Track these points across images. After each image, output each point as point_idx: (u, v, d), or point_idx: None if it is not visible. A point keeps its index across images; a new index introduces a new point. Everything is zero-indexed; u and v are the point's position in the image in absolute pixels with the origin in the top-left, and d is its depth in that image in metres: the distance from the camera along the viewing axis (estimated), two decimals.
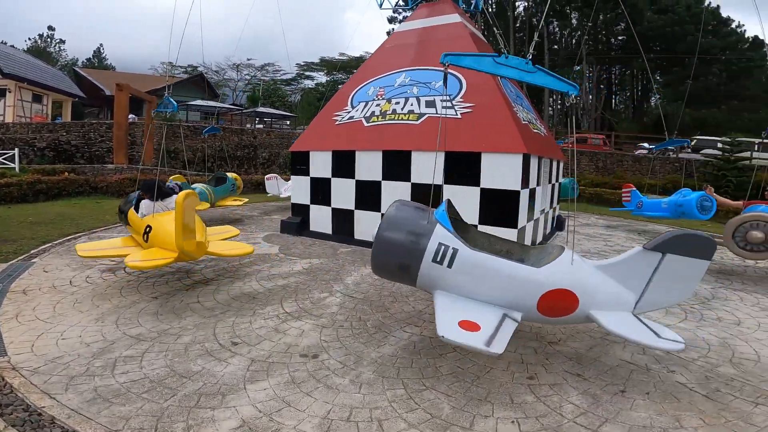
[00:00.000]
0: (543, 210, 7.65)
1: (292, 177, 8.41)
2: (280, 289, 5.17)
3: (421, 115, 6.80)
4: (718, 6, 38.88)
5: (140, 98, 20.84)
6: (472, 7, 9.47)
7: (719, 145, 20.20)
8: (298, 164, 8.12)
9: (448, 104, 6.59)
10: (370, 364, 3.43)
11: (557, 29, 44.92)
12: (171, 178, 9.31)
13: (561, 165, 9.56)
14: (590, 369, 3.37)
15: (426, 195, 6.49)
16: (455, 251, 3.37)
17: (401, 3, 9.60)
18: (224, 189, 9.93)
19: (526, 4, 43.82)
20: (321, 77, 48.89)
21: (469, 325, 2.97)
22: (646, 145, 27.39)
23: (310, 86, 48.89)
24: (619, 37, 42.40)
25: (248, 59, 46.72)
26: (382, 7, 9.62)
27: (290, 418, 2.72)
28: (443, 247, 3.38)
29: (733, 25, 40.01)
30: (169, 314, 4.32)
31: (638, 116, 45.38)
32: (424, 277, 3.50)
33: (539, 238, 7.62)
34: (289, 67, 47.40)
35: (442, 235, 3.42)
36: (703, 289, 5.58)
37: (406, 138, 6.69)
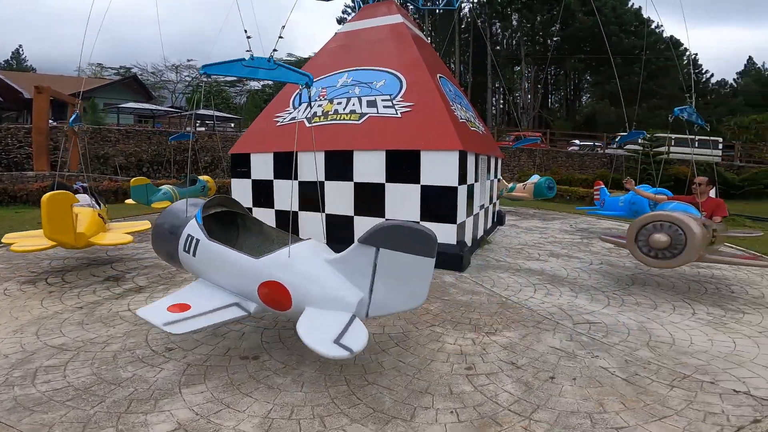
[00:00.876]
0: (482, 205, 7.93)
1: (233, 180, 8.17)
2: None
3: (362, 114, 6.83)
4: (639, 7, 42.02)
5: (63, 101, 19.33)
6: (421, 3, 9.67)
7: (639, 140, 21.82)
8: (239, 167, 7.92)
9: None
10: (312, 362, 3.41)
11: (499, 30, 46.61)
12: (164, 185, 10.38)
13: (500, 162, 9.96)
14: (523, 357, 3.52)
15: (370, 194, 6.57)
16: (198, 241, 3.64)
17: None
18: (193, 190, 10.27)
19: (471, 5, 45.20)
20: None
21: (181, 307, 3.15)
22: (577, 141, 29.24)
23: (256, 88, 47.78)
24: (555, 38, 44.70)
25: (189, 60, 44.97)
26: None
27: (229, 419, 2.67)
28: (190, 237, 3.69)
29: (653, 26, 43.46)
30: (96, 323, 4.11)
31: (571, 114, 48.29)
32: (184, 264, 3.83)
33: (480, 233, 7.90)
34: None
35: (191, 227, 3.72)
36: (624, 275, 6.01)
37: (348, 138, 6.71)
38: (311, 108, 7.19)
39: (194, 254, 3.64)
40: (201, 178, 10.71)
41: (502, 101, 53.98)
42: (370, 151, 6.51)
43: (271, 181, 7.54)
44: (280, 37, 3.93)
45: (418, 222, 6.22)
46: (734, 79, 52.37)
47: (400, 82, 6.88)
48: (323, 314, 3.01)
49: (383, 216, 6.50)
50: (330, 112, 7.15)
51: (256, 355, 3.52)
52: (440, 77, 7.54)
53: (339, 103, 7.17)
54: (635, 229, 4.97)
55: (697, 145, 24.11)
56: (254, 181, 7.77)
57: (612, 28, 37.51)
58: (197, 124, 31.31)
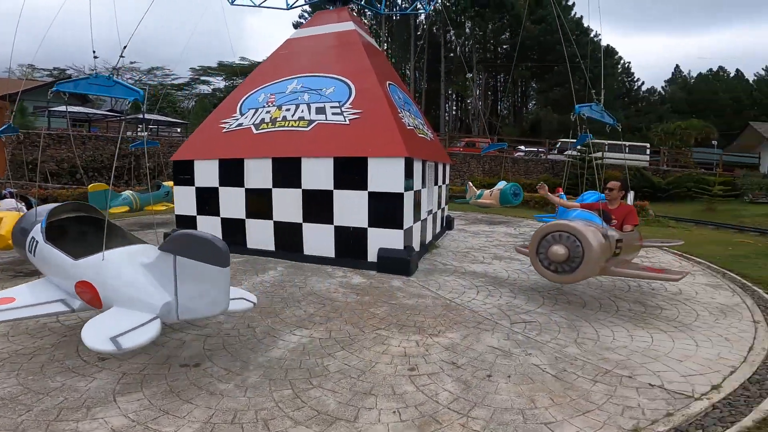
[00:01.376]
0: (431, 211, 8.16)
1: (175, 187, 7.92)
2: None
3: (311, 121, 6.87)
4: (581, 17, 44.50)
5: None
6: (382, 7, 9.82)
7: (572, 146, 23.11)
8: (182, 174, 7.71)
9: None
10: (257, 368, 3.44)
11: (453, 38, 47.77)
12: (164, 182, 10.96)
13: (447, 168, 10.26)
14: (463, 357, 3.70)
15: (318, 201, 6.61)
16: (37, 243, 3.98)
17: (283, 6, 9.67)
18: (156, 195, 10.65)
19: (427, 12, 46.05)
20: (219, 82, 46.58)
21: (4, 300, 3.43)
22: (522, 147, 30.55)
23: (206, 92, 46.32)
24: (504, 46, 46.31)
25: (132, 62, 42.79)
26: (234, 3, 9.67)
27: (168, 425, 2.66)
28: (33, 239, 4.03)
29: (592, 35, 46.16)
30: (21, 335, 3.95)
31: (519, 121, 50.28)
32: (33, 264, 4.16)
33: (429, 238, 8.12)
34: (182, 71, 44.48)
35: (35, 231, 4.04)
36: None
37: (296, 145, 6.72)
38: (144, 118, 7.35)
39: (34, 254, 4.02)
40: (166, 183, 10.76)
41: (454, 107, 55.38)
42: (318, 158, 6.56)
43: (217, 189, 7.39)
44: (122, 56, 4.12)
45: (366, 228, 6.35)
46: (662, 87, 56.37)
47: (350, 89, 6.97)
48: (123, 313, 3.15)
49: (332, 222, 6.56)
50: (278, 119, 7.13)
51: (197, 363, 3.50)
52: (390, 84, 7.69)
53: (288, 110, 7.16)
54: (536, 240, 4.54)
55: (627, 150, 25.95)
56: (198, 189, 7.58)
57: (556, 36, 39.39)
58: (139, 129, 29.98)
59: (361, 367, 3.49)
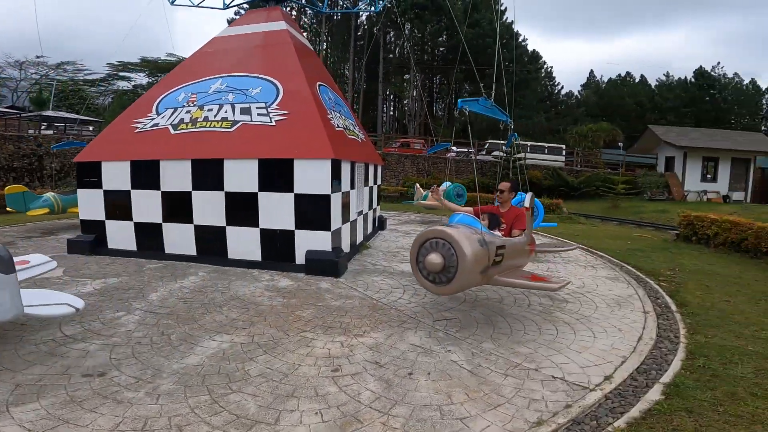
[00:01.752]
0: (361, 212, 8.23)
1: (79, 191, 7.32)
2: None
3: (235, 122, 6.67)
4: (512, 21, 46.83)
5: None
6: (324, 6, 9.66)
7: (503, 147, 24.44)
8: (87, 176, 7.15)
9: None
10: (170, 375, 3.32)
11: (393, 39, 48.18)
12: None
13: (379, 169, 10.40)
14: (386, 356, 3.80)
15: (243, 203, 6.44)
16: None
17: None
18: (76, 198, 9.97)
19: (371, 13, 46.07)
20: (141, 79, 43.32)
21: None
22: (454, 149, 31.69)
23: (126, 88, 42.94)
24: (441, 48, 47.49)
25: (38, 56, 38.67)
26: (174, 3, 9.21)
27: None
28: None
29: (520, 39, 48.77)
30: None
31: (452, 122, 51.97)
32: None
33: (359, 238, 8.19)
34: (98, 67, 41.03)
35: None
36: None
37: (219, 146, 6.50)
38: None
39: None
40: None
41: (392, 108, 56.07)
42: (242, 160, 6.39)
43: (129, 192, 6.94)
44: None
45: (293, 231, 6.29)
46: (579, 91, 61.01)
47: (277, 89, 6.84)
48: None
49: (257, 225, 6.41)
50: (199, 119, 6.84)
51: (102, 372, 3.33)
52: (320, 86, 7.64)
53: (210, 110, 6.89)
54: (415, 247, 4.11)
55: (546, 151, 27.86)
56: (107, 192, 7.08)
57: (488, 40, 41.13)
58: (43, 127, 27.29)
59: (283, 371, 3.47)
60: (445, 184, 12.30)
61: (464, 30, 41.39)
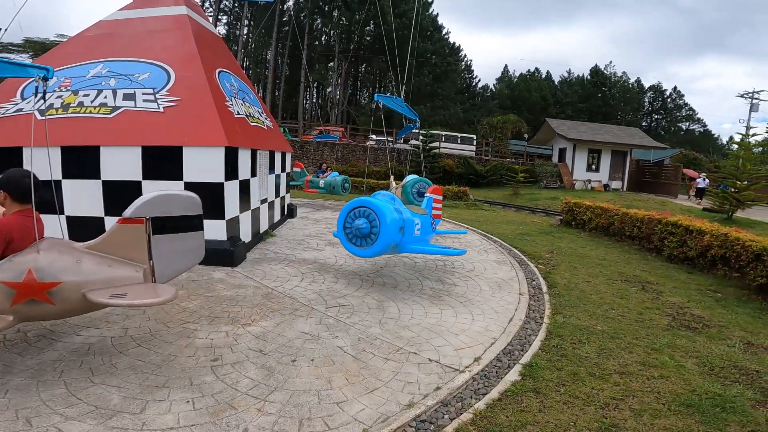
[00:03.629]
0: (265, 200, 8.04)
1: None
2: None
3: (115, 108, 6.15)
4: (437, 14, 47.68)
5: None
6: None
7: (420, 137, 25.20)
8: None
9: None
10: (22, 371, 3.10)
11: (320, 26, 46.76)
12: None
13: (288, 156, 10.17)
14: (272, 344, 3.80)
15: (122, 192, 5.98)
16: None
17: None
18: None
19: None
20: (24, 60, 37.50)
21: None
22: (373, 137, 31.92)
23: None
24: (367, 37, 47.07)
25: None
26: None
27: None
28: None
29: (444, 32, 49.99)
30: None
31: (375, 111, 52.17)
32: None
33: (264, 227, 8.01)
34: None
35: None
36: (382, 258, 6.93)
37: (95, 133, 5.96)
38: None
39: None
40: None
41: (315, 96, 54.83)
42: (122, 147, 5.93)
43: None
44: None
45: None
46: (494, 85, 64.67)
47: (168, 75, 6.41)
48: None
49: None
50: (72, 104, 6.20)
51: None
52: (221, 72, 7.27)
53: (86, 95, 6.27)
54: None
55: (459, 141, 29.22)
56: None
57: (414, 31, 41.57)
58: None
59: (157, 362, 3.36)
60: (408, 178, 10.80)
61: (390, 20, 41.54)
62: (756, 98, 33.61)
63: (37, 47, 36.15)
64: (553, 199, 19.16)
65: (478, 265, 6.89)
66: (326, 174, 13.69)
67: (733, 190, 14.62)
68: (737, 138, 15.25)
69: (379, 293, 5.33)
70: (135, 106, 6.12)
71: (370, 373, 3.42)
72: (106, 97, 6.23)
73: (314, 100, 55.13)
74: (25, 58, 37.58)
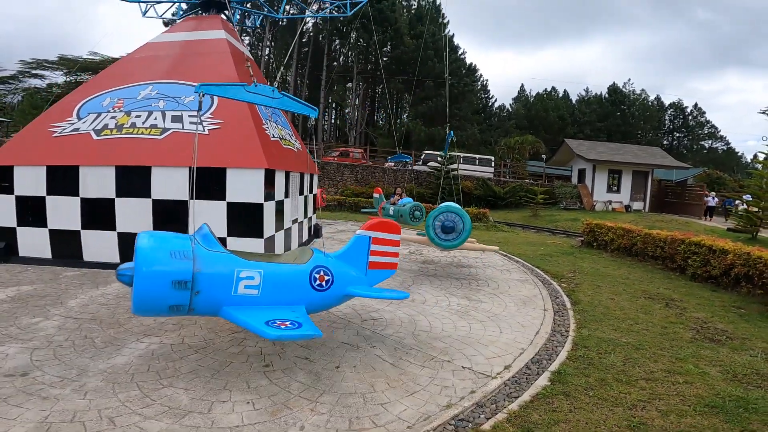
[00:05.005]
0: (295, 220, 8.46)
1: None
2: None
3: (165, 129, 6.67)
4: (453, 35, 48.51)
5: None
6: (248, 22, 9.63)
7: (438, 158, 25.53)
8: None
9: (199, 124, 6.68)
10: (97, 374, 3.45)
11: (338, 47, 48.24)
12: None
13: (315, 178, 10.66)
14: (317, 352, 4.12)
15: (168, 210, 6.46)
16: None
17: (171, 15, 9.15)
18: None
19: (315, 20, 45.84)
20: (57, 77, 39.87)
21: None
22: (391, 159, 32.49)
23: (39, 86, 39.32)
24: (385, 58, 48.28)
25: None
26: (146, 15, 8.95)
27: None
28: None
29: (459, 53, 50.78)
30: None
31: (392, 132, 53.04)
32: None
33: (294, 245, 8.42)
34: (8, 64, 37.18)
35: None
36: (408, 277, 7.26)
37: (147, 153, 6.48)
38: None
39: None
40: None
41: (334, 116, 56.17)
42: (171, 168, 6.41)
43: (44, 198, 6.71)
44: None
45: (225, 238, 6.41)
46: (510, 104, 64.51)
47: (212, 98, 6.92)
48: None
49: (187, 233, 6.47)
50: (125, 125, 6.76)
51: (24, 373, 3.40)
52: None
53: (138, 117, 6.82)
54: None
55: (477, 162, 29.49)
56: (19, 197, 6.79)
57: (429, 53, 42.50)
58: None
59: (215, 367, 3.69)
60: (406, 200, 10.98)
61: (407, 41, 42.53)
62: None
63: (71, 64, 38.17)
64: (573, 221, 19.21)
65: (502, 284, 7.12)
66: (396, 199, 11.81)
67: (755, 209, 14.52)
68: (761, 156, 15.12)
69: (410, 309, 5.61)
70: (182, 128, 6.61)
71: (408, 378, 3.72)
72: (156, 118, 6.74)
73: (332, 121, 56.30)
74: (57, 75, 39.70)
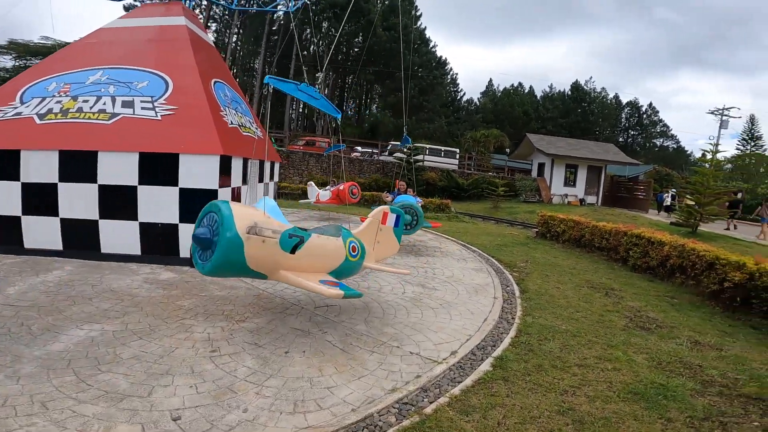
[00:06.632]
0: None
1: None
2: None
3: (114, 114, 6.43)
4: (425, 27, 48.45)
5: None
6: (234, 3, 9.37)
7: (405, 149, 25.61)
8: None
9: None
10: (32, 360, 3.37)
11: (309, 36, 47.28)
12: None
13: (276, 166, 10.51)
14: (266, 338, 4.13)
15: (118, 197, 6.25)
16: None
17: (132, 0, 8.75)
18: None
19: (287, 9, 44.58)
20: (6, 62, 37.16)
21: None
22: (359, 148, 32.32)
23: None
24: (356, 49, 47.67)
25: None
26: None
27: None
28: None
29: (431, 45, 50.90)
30: None
31: (361, 122, 52.74)
32: None
33: None
34: None
35: None
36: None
37: (93, 138, 6.23)
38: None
39: None
40: None
41: (302, 106, 55.20)
42: (119, 153, 6.20)
43: None
44: None
45: (177, 225, 6.29)
46: (478, 99, 65.57)
47: (167, 84, 6.73)
48: None
49: (135, 219, 6.28)
50: (71, 110, 6.47)
51: None
52: (216, 82, 7.61)
53: (85, 101, 6.55)
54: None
55: (443, 154, 29.87)
56: None
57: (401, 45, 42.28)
58: None
59: (159, 353, 3.65)
60: (402, 198, 9.86)
61: (379, 33, 42.20)
62: (726, 115, 35.48)
63: (21, 49, 35.71)
64: (531, 213, 19.79)
65: (457, 273, 7.31)
66: (391, 197, 10.50)
67: (696, 205, 15.47)
68: (707, 156, 16.07)
69: (365, 296, 5.66)
70: (133, 114, 6.39)
71: (357, 363, 3.80)
72: (105, 103, 6.49)
73: (300, 111, 55.42)
74: (7, 59, 37.09)
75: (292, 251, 4.13)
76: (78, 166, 6.23)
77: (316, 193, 12.76)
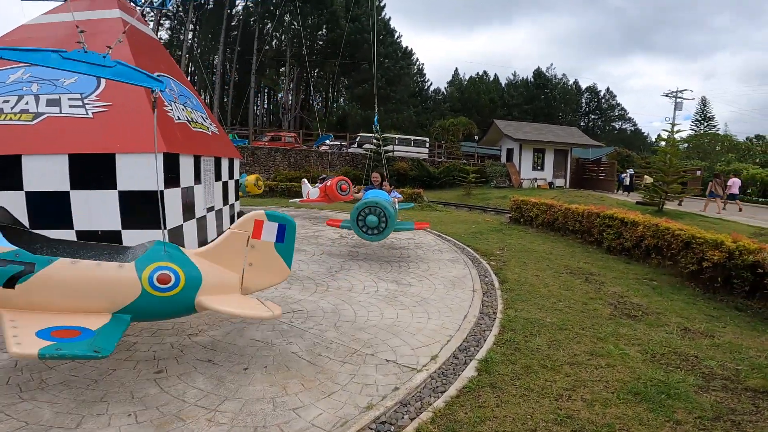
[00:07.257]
0: (211, 207, 7.75)
1: None
2: None
3: (38, 114, 5.70)
4: (390, 18, 47.83)
5: None
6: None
7: (374, 140, 25.15)
8: None
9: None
10: None
11: (270, 30, 45.90)
12: None
13: (236, 162, 9.84)
14: (222, 353, 3.65)
15: (49, 205, 5.54)
16: None
17: None
18: None
19: (245, 3, 43.21)
20: None
21: None
22: (328, 141, 31.61)
23: None
24: (320, 42, 46.55)
25: None
26: None
27: None
28: None
29: (396, 36, 50.44)
30: None
31: (328, 115, 51.83)
32: None
33: (212, 235, 7.70)
34: None
35: None
36: (337, 262, 6.89)
37: (15, 141, 5.48)
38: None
39: None
40: None
41: (266, 101, 53.77)
42: (46, 156, 5.49)
43: None
44: None
45: (120, 231, 5.68)
46: (445, 88, 65.94)
47: (98, 80, 6.01)
48: None
49: (71, 227, 5.60)
50: None
51: None
52: (160, 75, 6.92)
53: (6, 102, 5.78)
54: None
55: (412, 144, 29.59)
56: None
57: (365, 36, 41.66)
58: None
59: (93, 377, 3.15)
60: (372, 193, 8.83)
61: (343, 24, 41.35)
62: (680, 97, 36.69)
63: None
64: (503, 198, 19.81)
65: (432, 265, 6.97)
66: (359, 191, 9.70)
67: (661, 183, 15.75)
68: (664, 135, 16.37)
69: (335, 297, 5.26)
70: (60, 112, 5.70)
71: (326, 377, 3.36)
72: (27, 102, 5.77)
73: (265, 106, 54.07)
74: None
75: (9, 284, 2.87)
76: (0, 172, 5.50)
77: (307, 191, 11.91)
